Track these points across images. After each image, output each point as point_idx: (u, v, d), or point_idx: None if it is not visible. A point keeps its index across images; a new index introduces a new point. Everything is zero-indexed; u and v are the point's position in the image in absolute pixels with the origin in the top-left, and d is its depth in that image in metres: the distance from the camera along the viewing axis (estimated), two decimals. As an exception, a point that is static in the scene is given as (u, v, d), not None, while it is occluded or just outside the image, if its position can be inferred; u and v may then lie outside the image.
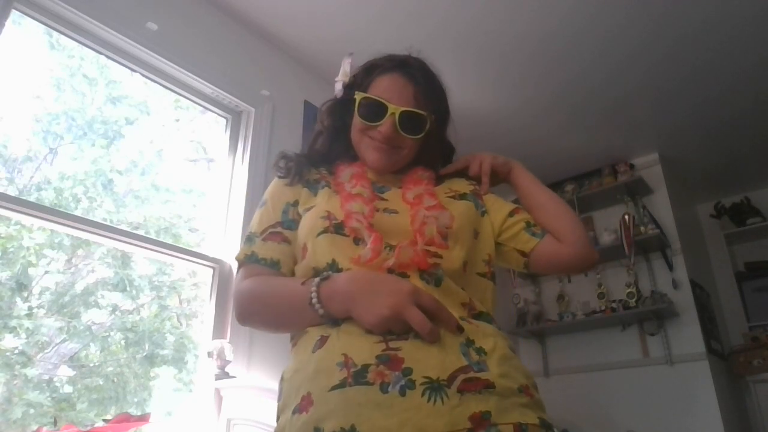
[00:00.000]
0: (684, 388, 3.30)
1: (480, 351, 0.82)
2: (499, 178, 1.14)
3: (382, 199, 0.99)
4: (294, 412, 0.79)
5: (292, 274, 0.97)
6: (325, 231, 0.91)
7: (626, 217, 3.53)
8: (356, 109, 1.02)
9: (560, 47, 2.86)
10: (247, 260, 0.98)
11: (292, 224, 1.00)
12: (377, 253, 0.86)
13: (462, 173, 1.14)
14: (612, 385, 3.56)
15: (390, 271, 0.86)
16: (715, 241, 4.24)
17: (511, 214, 1.06)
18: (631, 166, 3.82)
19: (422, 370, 0.76)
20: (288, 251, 0.98)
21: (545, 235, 1.04)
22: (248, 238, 1.01)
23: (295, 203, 1.01)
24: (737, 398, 3.64)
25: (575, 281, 3.86)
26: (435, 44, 2.75)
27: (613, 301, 3.59)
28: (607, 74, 3.07)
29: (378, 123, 1.00)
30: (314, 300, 0.83)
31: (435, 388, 0.74)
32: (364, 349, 0.78)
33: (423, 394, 0.74)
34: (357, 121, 1.03)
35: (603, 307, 3.61)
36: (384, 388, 0.74)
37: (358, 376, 0.76)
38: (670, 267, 3.58)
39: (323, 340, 0.82)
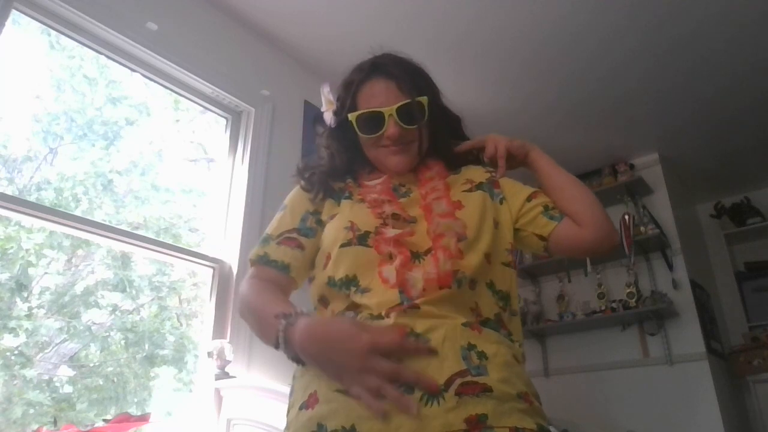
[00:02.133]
0: (684, 388, 3.30)
1: (481, 355, 0.83)
2: (517, 161, 1.13)
3: (403, 205, 1.00)
4: (301, 408, 0.84)
5: (302, 279, 1.01)
6: (348, 243, 0.93)
7: (626, 217, 3.53)
8: (356, 127, 1.04)
9: (560, 47, 2.86)
10: (258, 261, 1.00)
11: (308, 232, 1.01)
12: (401, 278, 0.88)
13: (478, 159, 1.14)
14: (612, 385, 3.55)
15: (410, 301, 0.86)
16: (715, 241, 4.24)
17: (529, 198, 1.06)
18: (631, 166, 3.82)
19: None
20: (300, 257, 1.00)
21: (563, 218, 1.02)
22: (264, 240, 1.03)
23: (315, 212, 1.03)
24: (737, 398, 3.64)
25: (575, 281, 3.86)
26: (434, 44, 2.75)
27: (613, 301, 3.59)
28: (607, 74, 3.07)
29: (381, 131, 1.01)
30: (281, 344, 0.83)
31: (431, 392, 0.77)
32: None
33: (420, 398, 0.76)
34: (363, 139, 1.05)
35: (603, 307, 3.61)
36: None
37: None
38: (670, 267, 3.58)
39: None
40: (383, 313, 0.86)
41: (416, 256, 0.91)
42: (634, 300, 3.50)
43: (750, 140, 3.69)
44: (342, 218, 0.97)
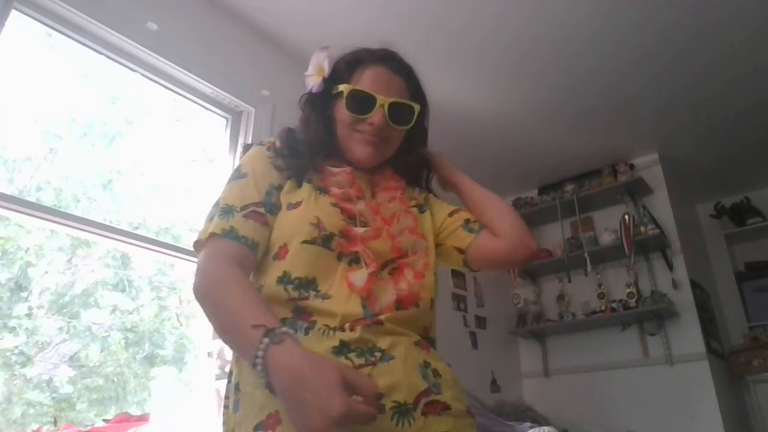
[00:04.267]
0: (684, 388, 3.30)
1: (436, 373, 0.86)
2: (446, 182, 1.18)
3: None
4: (257, 429, 0.78)
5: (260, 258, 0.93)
6: (312, 242, 0.88)
7: (626, 217, 3.53)
8: (344, 102, 1.01)
9: (560, 47, 2.85)
10: (225, 235, 0.88)
11: (273, 208, 0.94)
12: (369, 285, 0.88)
13: (419, 179, 1.16)
14: (612, 385, 3.55)
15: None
16: (715, 241, 4.23)
17: (451, 214, 1.08)
18: (631, 166, 3.82)
19: (391, 395, 0.78)
20: (266, 236, 0.92)
21: (482, 230, 1.04)
22: (226, 211, 0.92)
23: (279, 187, 0.97)
24: (737, 398, 3.64)
25: (575, 281, 3.85)
26: (433, 43, 2.75)
27: (613, 301, 3.59)
28: (607, 74, 3.06)
29: (367, 115, 0.99)
30: (258, 364, 0.71)
31: (403, 411, 0.78)
32: None
33: (392, 418, 0.77)
34: (345, 114, 1.01)
35: (603, 307, 3.61)
36: None
37: None
38: (670, 267, 3.57)
39: None
40: (347, 327, 0.83)
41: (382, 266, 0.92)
42: (634, 300, 3.49)
43: (750, 140, 3.69)
44: (307, 210, 0.91)
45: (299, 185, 0.97)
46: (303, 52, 2.86)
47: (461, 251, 1.03)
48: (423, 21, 2.65)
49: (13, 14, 1.94)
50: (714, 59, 2.94)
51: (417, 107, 1.04)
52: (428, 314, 0.94)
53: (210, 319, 0.84)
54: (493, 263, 1.05)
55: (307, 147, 1.02)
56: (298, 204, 0.93)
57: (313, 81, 1.07)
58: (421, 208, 1.07)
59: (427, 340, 0.92)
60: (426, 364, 0.85)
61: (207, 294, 0.84)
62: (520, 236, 1.01)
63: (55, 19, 2.07)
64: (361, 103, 1.00)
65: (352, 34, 2.64)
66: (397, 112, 1.01)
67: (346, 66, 1.05)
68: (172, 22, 2.38)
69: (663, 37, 2.78)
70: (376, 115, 0.99)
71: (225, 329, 0.81)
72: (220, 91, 2.51)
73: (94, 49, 2.21)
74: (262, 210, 0.93)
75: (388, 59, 1.06)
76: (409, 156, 1.10)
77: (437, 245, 1.05)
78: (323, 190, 0.96)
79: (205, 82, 2.45)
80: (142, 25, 2.26)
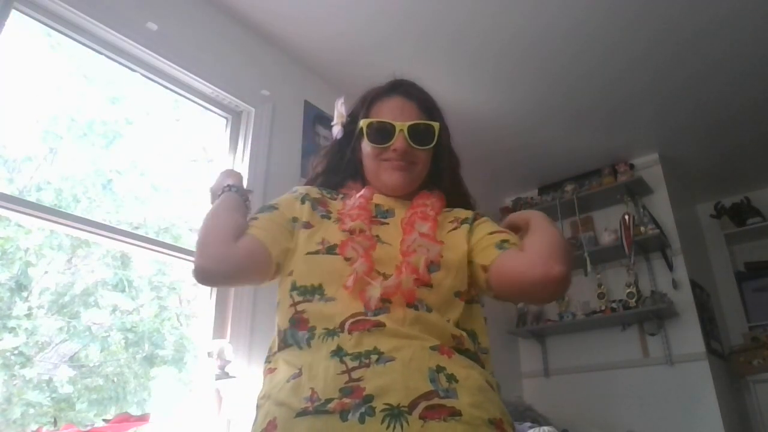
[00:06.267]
0: (684, 388, 3.30)
1: (451, 378, 0.81)
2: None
3: (383, 223, 1.00)
4: None
5: (272, 244, 0.98)
6: (316, 252, 0.94)
7: (626, 217, 3.53)
8: (365, 135, 1.05)
9: (559, 46, 2.85)
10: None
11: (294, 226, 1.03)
12: (357, 279, 0.87)
13: (470, 204, 1.12)
14: (612, 385, 3.55)
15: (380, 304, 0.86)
16: (715, 241, 4.23)
17: (492, 233, 0.99)
18: (631, 166, 3.82)
19: (383, 397, 0.76)
20: (268, 216, 1.02)
21: (513, 248, 0.93)
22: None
23: (295, 219, 1.03)
24: (737, 398, 3.64)
25: (575, 281, 3.84)
26: (432, 43, 2.75)
27: (613, 301, 3.59)
28: (607, 74, 3.06)
29: (389, 143, 1.02)
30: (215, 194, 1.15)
31: (395, 414, 0.74)
32: (328, 380, 0.79)
33: (382, 421, 0.73)
34: (368, 148, 1.05)
35: (603, 307, 3.61)
36: (344, 416, 0.75)
37: (320, 407, 0.77)
38: (670, 267, 3.57)
39: (298, 373, 0.84)
40: (338, 325, 0.84)
41: (381, 274, 0.90)
42: (634, 300, 3.49)
43: (750, 140, 3.69)
44: (317, 234, 0.98)
45: (318, 215, 1.03)
46: (303, 52, 2.86)
47: (485, 269, 0.93)
48: (422, 21, 2.65)
49: (13, 14, 1.94)
50: (714, 59, 2.94)
51: (436, 125, 1.06)
52: (447, 324, 0.89)
53: (206, 228, 0.99)
54: (512, 286, 0.92)
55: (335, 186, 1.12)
56: (309, 225, 1.00)
57: (337, 130, 1.14)
58: (464, 222, 1.02)
59: (455, 348, 0.86)
60: (439, 369, 0.80)
61: (199, 238, 0.99)
62: (543, 254, 0.87)
63: (55, 19, 2.07)
64: (381, 132, 1.03)
65: (352, 34, 2.67)
66: (417, 134, 1.03)
67: (360, 105, 1.11)
68: (172, 22, 2.38)
69: (663, 36, 2.78)
70: (398, 141, 1.02)
71: (206, 222, 1.01)
72: (220, 91, 2.51)
73: (94, 49, 2.21)
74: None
75: (398, 86, 1.10)
76: (442, 179, 1.11)
77: (469, 262, 0.97)
78: (340, 221, 1.00)
79: (205, 82, 2.45)
80: (142, 25, 2.26)
